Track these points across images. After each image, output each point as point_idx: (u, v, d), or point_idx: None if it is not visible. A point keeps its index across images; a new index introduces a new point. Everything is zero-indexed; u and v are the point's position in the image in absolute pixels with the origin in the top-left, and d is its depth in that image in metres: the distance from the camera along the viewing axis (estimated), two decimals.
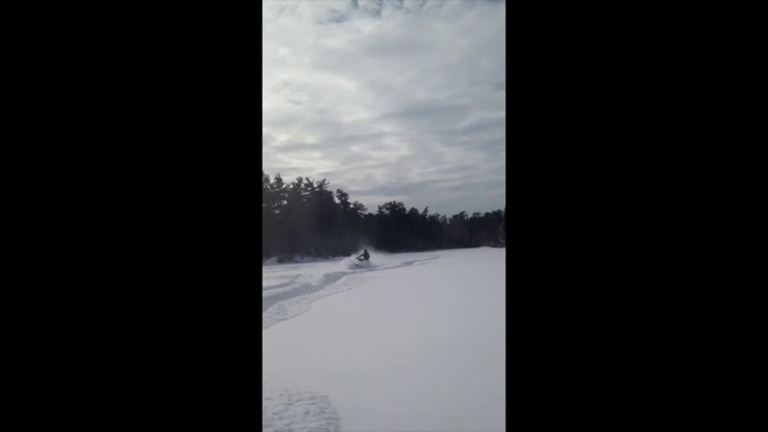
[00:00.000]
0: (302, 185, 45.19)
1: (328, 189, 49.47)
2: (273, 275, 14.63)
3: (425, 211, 67.25)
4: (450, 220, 69.57)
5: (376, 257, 25.09)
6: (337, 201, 51.94)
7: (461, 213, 70.21)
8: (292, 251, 37.97)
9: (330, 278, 14.43)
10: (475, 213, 69.04)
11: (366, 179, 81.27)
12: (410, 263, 24.41)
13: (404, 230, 58.89)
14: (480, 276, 13.73)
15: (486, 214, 65.90)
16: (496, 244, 55.11)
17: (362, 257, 22.91)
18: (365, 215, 57.70)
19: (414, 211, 66.09)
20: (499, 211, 61.39)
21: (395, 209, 64.03)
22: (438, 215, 69.24)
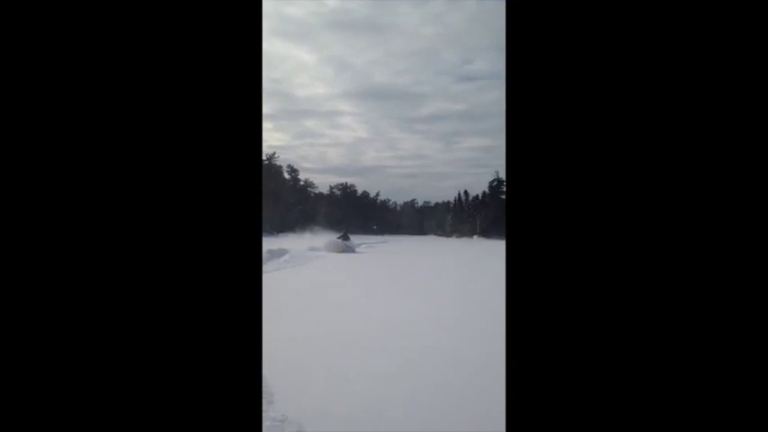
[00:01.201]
0: None
1: (278, 163, 47.87)
2: None
3: (377, 195, 67.20)
4: (401, 207, 69.93)
5: (324, 237, 24.87)
6: (287, 176, 50.46)
7: (412, 201, 70.85)
8: None
9: (273, 254, 14.20)
10: (425, 202, 69.89)
11: (319, 157, 79.82)
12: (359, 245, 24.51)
13: (354, 213, 58.42)
14: (424, 262, 14.09)
15: (437, 204, 66.85)
16: (443, 233, 56.18)
17: (343, 237, 23.60)
18: (315, 194, 56.63)
19: (365, 194, 65.78)
20: (449, 201, 62.51)
21: (347, 190, 63.36)
22: (389, 200, 69.49)
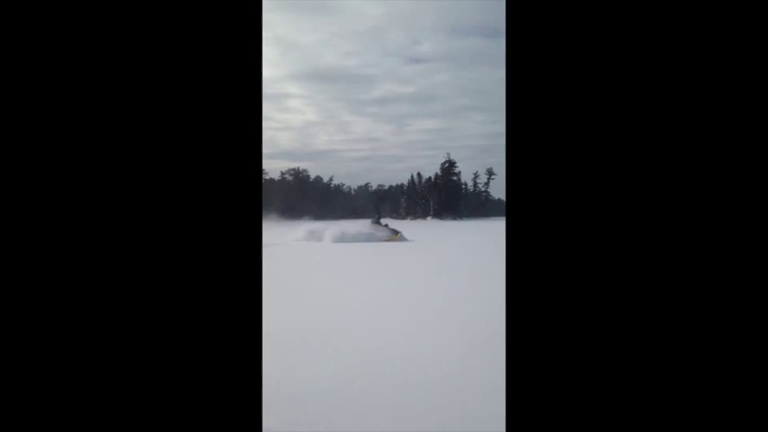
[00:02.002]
0: None
1: None
2: None
3: (331, 179, 66.54)
4: (356, 191, 69.74)
5: (279, 225, 23.80)
6: None
7: (366, 184, 70.74)
8: None
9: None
10: (379, 185, 70.02)
11: (268, 141, 77.57)
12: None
13: (307, 198, 57.66)
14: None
15: (391, 187, 67.21)
16: (398, 216, 56.73)
17: (376, 221, 20.22)
18: (266, 179, 55.24)
19: (319, 178, 64.96)
20: (402, 184, 62.99)
21: (299, 175, 62.26)
22: (343, 185, 69.01)
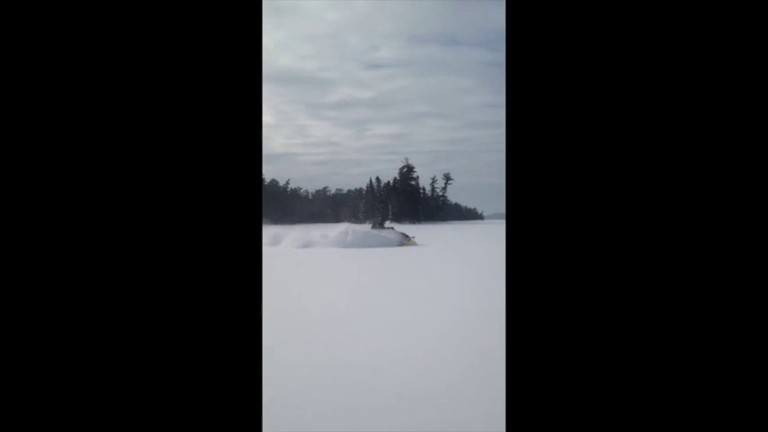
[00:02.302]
0: None
1: None
2: None
3: (287, 183, 65.34)
4: (313, 195, 68.80)
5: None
6: None
7: (324, 188, 70.00)
8: None
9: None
10: (338, 189, 69.51)
11: None
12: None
13: (263, 202, 56.22)
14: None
15: (349, 191, 66.89)
16: (357, 220, 56.53)
17: (379, 224, 18.45)
18: None
19: (275, 182, 63.58)
20: (361, 188, 62.83)
21: None
22: (300, 188, 67.98)
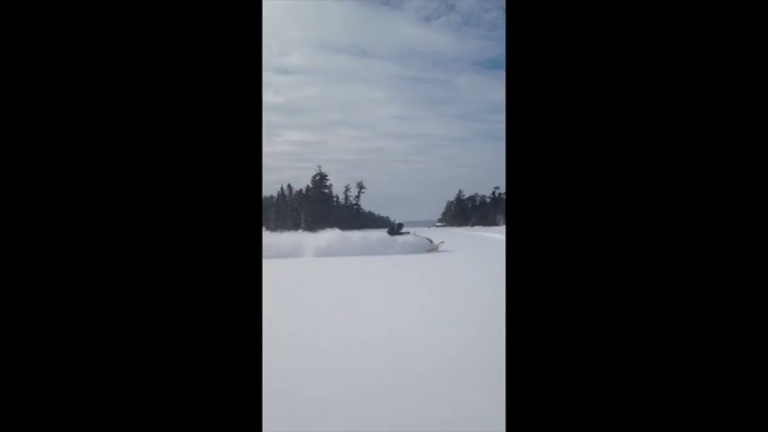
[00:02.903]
0: None
1: None
2: None
3: None
4: None
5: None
6: None
7: None
8: None
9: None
10: None
11: None
12: None
13: None
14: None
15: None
16: (268, 228, 54.74)
17: (396, 230, 16.01)
18: None
19: None
20: (272, 196, 61.03)
21: None
22: None
